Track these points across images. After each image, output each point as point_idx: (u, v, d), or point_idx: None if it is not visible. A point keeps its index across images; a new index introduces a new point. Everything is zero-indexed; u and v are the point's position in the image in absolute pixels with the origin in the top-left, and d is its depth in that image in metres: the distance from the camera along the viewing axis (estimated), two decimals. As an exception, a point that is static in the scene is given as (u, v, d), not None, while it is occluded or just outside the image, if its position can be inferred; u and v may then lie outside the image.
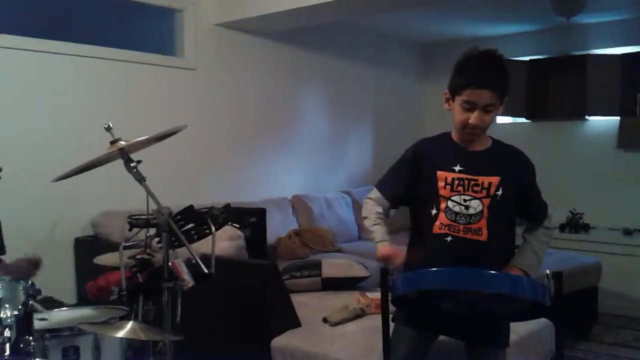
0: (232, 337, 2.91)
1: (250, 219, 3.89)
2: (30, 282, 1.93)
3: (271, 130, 5.00)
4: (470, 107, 1.96)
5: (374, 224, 2.13)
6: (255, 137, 4.87)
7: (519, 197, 2.06)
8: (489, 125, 2.01)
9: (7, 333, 1.81)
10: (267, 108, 4.95)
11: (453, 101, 2.02)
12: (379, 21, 5.41)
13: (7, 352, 1.80)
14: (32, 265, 2.47)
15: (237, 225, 3.39)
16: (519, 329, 2.68)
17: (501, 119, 5.77)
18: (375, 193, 2.20)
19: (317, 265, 3.53)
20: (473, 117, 1.96)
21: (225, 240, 3.13)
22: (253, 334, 2.85)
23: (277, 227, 4.54)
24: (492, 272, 1.73)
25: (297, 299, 3.05)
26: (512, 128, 5.82)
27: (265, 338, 2.78)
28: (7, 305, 1.84)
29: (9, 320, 1.82)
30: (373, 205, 2.17)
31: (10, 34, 3.45)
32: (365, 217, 2.19)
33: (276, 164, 5.06)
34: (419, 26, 5.68)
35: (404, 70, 6.37)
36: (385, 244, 2.08)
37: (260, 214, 4.04)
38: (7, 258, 2.65)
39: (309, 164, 5.38)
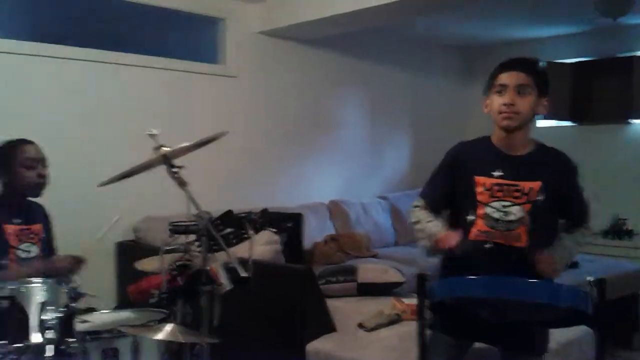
0: (267, 340, 2.94)
1: (287, 224, 3.91)
2: (72, 285, 1.98)
3: (309, 136, 5.03)
4: (502, 89, 1.98)
5: (429, 221, 2.09)
6: (293, 142, 4.90)
7: (561, 199, 2.02)
8: (526, 114, 1.98)
9: (49, 334, 1.86)
10: (305, 114, 4.98)
11: (490, 98, 2.02)
12: (418, 26, 5.38)
13: (50, 353, 1.84)
14: (76, 262, 2.56)
15: (275, 230, 3.43)
16: (558, 337, 2.63)
17: (545, 122, 5.66)
18: (418, 201, 2.19)
19: (353, 271, 3.52)
20: (504, 98, 1.96)
21: (263, 245, 3.16)
22: (288, 338, 2.86)
23: (314, 232, 4.56)
24: (531, 280, 1.70)
25: (332, 304, 3.06)
26: (555, 131, 5.69)
27: (300, 342, 2.80)
28: (50, 308, 1.89)
29: (51, 322, 1.87)
30: (419, 210, 2.16)
31: (60, 44, 3.57)
32: (417, 221, 2.14)
33: (313, 170, 5.08)
34: (459, 30, 5.63)
35: (444, 74, 6.31)
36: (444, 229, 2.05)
37: (297, 219, 4.07)
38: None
39: (346, 170, 5.38)
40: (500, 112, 1.98)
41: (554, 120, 5.73)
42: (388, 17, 4.46)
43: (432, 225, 2.08)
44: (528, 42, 5.75)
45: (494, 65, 2.08)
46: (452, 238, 1.99)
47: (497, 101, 1.99)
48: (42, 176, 2.56)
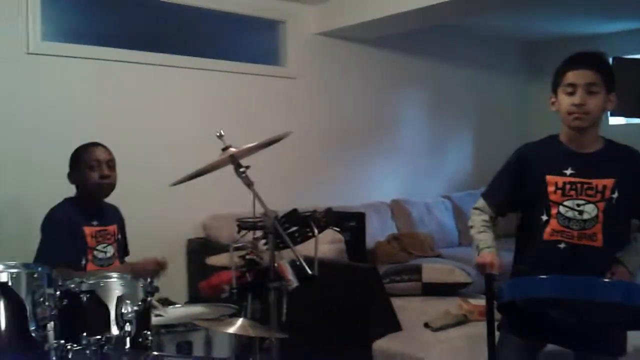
0: (334, 338, 2.96)
1: (350, 223, 3.93)
2: (149, 280, 2.06)
3: (370, 136, 5.03)
4: (572, 89, 1.93)
5: (480, 232, 2.09)
6: (355, 142, 4.92)
7: (635, 197, 1.96)
8: (596, 113, 1.94)
9: (127, 327, 1.93)
10: (366, 114, 4.99)
11: (557, 96, 1.97)
12: (479, 22, 5.29)
13: (127, 345, 1.92)
14: (159, 266, 2.65)
15: (338, 229, 3.45)
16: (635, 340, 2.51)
17: (614, 120, 5.45)
18: (480, 202, 2.17)
19: (417, 270, 3.50)
20: (575, 98, 1.91)
21: (327, 244, 3.19)
22: (354, 336, 2.88)
23: (376, 231, 4.56)
24: (604, 279, 1.66)
25: (397, 303, 3.05)
26: (626, 129, 5.48)
27: (366, 340, 2.80)
28: (128, 301, 1.96)
29: (129, 316, 1.94)
30: (479, 214, 2.14)
31: (124, 48, 3.71)
32: (472, 226, 2.15)
33: (375, 169, 5.08)
34: (522, 25, 5.50)
35: (507, 71, 6.17)
36: (491, 251, 2.02)
37: (359, 218, 4.08)
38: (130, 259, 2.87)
39: (408, 169, 5.35)
40: (570, 113, 1.94)
41: (623, 118, 5.51)
42: (449, 15, 4.41)
43: (482, 238, 2.06)
44: (594, 38, 5.55)
45: (558, 61, 2.03)
46: (491, 267, 1.95)
47: (566, 101, 1.94)
48: (105, 177, 2.60)
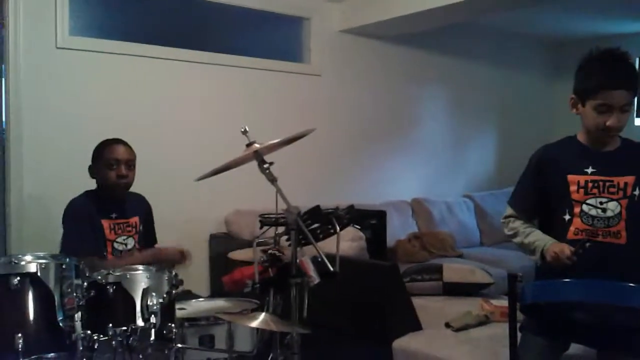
0: (354, 335, 2.96)
1: (371, 221, 3.93)
2: (174, 273, 2.09)
3: (392, 133, 5.02)
4: (606, 109, 1.89)
5: (528, 234, 2.05)
6: (377, 140, 4.91)
7: None
8: (625, 125, 1.93)
9: (152, 319, 1.96)
10: (388, 111, 4.98)
11: (583, 105, 1.95)
12: (503, 20, 5.24)
13: (152, 337, 1.95)
14: (183, 256, 2.68)
15: (359, 227, 3.45)
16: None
17: (637, 121, 5.37)
18: (508, 210, 2.16)
19: (438, 269, 3.49)
20: (612, 120, 1.89)
21: (348, 241, 3.20)
22: (374, 333, 2.88)
23: (397, 229, 4.55)
24: (628, 284, 1.63)
25: (417, 302, 3.04)
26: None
27: (386, 338, 2.80)
28: (153, 294, 1.99)
29: (154, 308, 1.98)
30: (513, 221, 2.12)
31: (148, 44, 3.75)
32: (514, 234, 2.10)
33: (397, 167, 5.07)
34: (546, 24, 5.44)
35: (531, 70, 6.11)
36: (553, 241, 1.97)
37: (380, 216, 4.08)
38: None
39: (430, 167, 5.33)
40: (602, 130, 1.92)
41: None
42: (472, 13, 4.38)
43: (535, 237, 2.02)
44: (619, 37, 5.45)
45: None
46: (565, 253, 1.89)
47: (598, 119, 1.91)
48: (122, 176, 2.61)
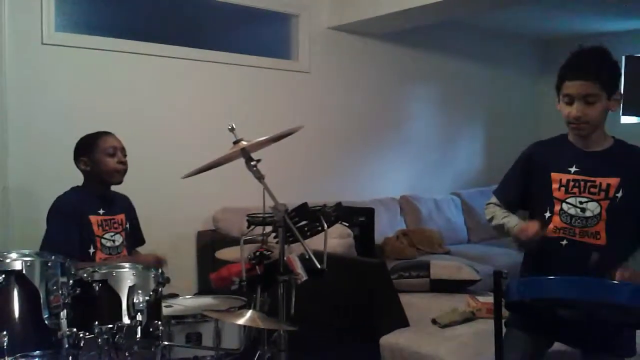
0: (341, 332, 2.97)
1: (360, 218, 3.94)
2: (160, 271, 2.08)
3: (381, 131, 5.04)
4: (569, 100, 1.92)
5: (504, 217, 2.10)
6: (365, 137, 4.92)
7: None
8: (597, 120, 1.93)
9: (138, 317, 1.96)
10: (377, 109, 4.99)
11: (559, 101, 1.98)
12: (492, 18, 5.27)
13: (138, 335, 1.95)
14: (157, 262, 2.68)
15: (347, 224, 3.46)
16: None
17: (626, 119, 5.41)
18: (493, 199, 2.19)
19: (426, 266, 3.51)
20: (572, 110, 1.91)
21: (336, 238, 3.20)
22: (362, 330, 2.89)
23: (385, 227, 4.57)
24: (611, 281, 1.65)
25: (404, 299, 3.07)
26: (638, 128, 5.44)
27: (374, 335, 2.81)
28: (139, 292, 1.99)
29: (141, 306, 1.97)
30: (494, 207, 2.16)
31: (141, 41, 3.73)
32: (492, 218, 2.15)
33: (385, 164, 5.08)
34: (534, 22, 5.47)
35: (518, 68, 6.15)
36: (522, 222, 2.03)
37: (368, 213, 4.09)
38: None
39: (418, 165, 5.35)
40: (569, 123, 1.95)
41: (635, 117, 5.46)
42: (461, 11, 4.40)
43: (508, 220, 2.07)
44: (606, 35, 5.49)
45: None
46: (532, 226, 1.94)
47: (565, 110, 1.95)
48: (123, 162, 2.69)
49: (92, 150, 2.67)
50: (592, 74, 1.89)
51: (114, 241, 2.68)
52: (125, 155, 2.72)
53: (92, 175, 2.68)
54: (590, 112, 1.90)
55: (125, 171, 2.72)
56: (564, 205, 1.96)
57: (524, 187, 2.10)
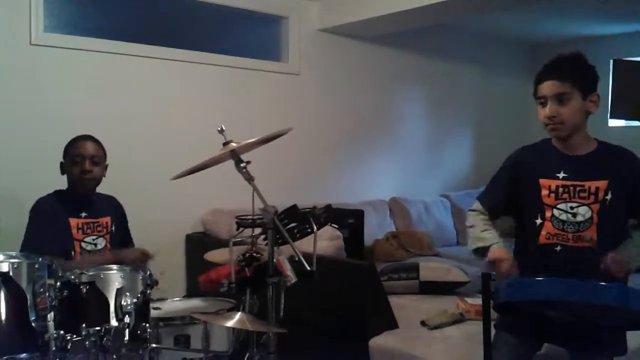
0: (331, 334, 2.97)
1: (349, 220, 3.94)
2: (148, 273, 2.07)
3: (370, 133, 5.04)
4: (543, 101, 1.96)
5: (483, 230, 2.09)
6: (355, 139, 4.92)
7: (631, 198, 1.96)
8: (573, 120, 1.94)
9: (126, 319, 1.95)
10: (367, 111, 5.00)
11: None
12: (482, 22, 5.29)
13: (126, 337, 1.94)
14: (144, 256, 2.66)
15: (337, 226, 3.46)
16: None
17: (614, 122, 5.45)
18: (476, 205, 2.19)
19: (415, 268, 3.52)
20: (546, 110, 1.94)
21: (325, 240, 3.20)
22: (351, 332, 2.89)
23: (374, 229, 4.57)
24: (598, 282, 1.66)
25: (394, 301, 3.07)
26: (625, 131, 5.50)
27: (363, 337, 2.82)
28: (127, 294, 1.98)
29: (128, 308, 1.96)
30: (477, 214, 2.16)
31: (126, 41, 3.70)
32: (472, 226, 2.15)
33: (375, 166, 5.09)
34: (523, 26, 5.50)
35: (507, 71, 6.18)
36: (499, 246, 2.03)
37: (358, 215, 4.09)
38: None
39: (407, 167, 5.36)
40: (546, 124, 1.97)
41: (623, 120, 5.51)
42: (451, 14, 4.41)
43: (488, 238, 2.06)
44: (594, 39, 5.55)
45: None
46: (506, 264, 1.95)
47: (540, 113, 1.98)
48: (85, 172, 2.58)
49: (65, 155, 2.65)
50: (563, 72, 1.93)
51: (95, 245, 2.65)
52: (94, 164, 2.62)
53: (67, 180, 2.66)
54: (564, 111, 1.92)
55: (91, 181, 2.63)
56: (555, 211, 1.97)
57: (510, 194, 2.10)
